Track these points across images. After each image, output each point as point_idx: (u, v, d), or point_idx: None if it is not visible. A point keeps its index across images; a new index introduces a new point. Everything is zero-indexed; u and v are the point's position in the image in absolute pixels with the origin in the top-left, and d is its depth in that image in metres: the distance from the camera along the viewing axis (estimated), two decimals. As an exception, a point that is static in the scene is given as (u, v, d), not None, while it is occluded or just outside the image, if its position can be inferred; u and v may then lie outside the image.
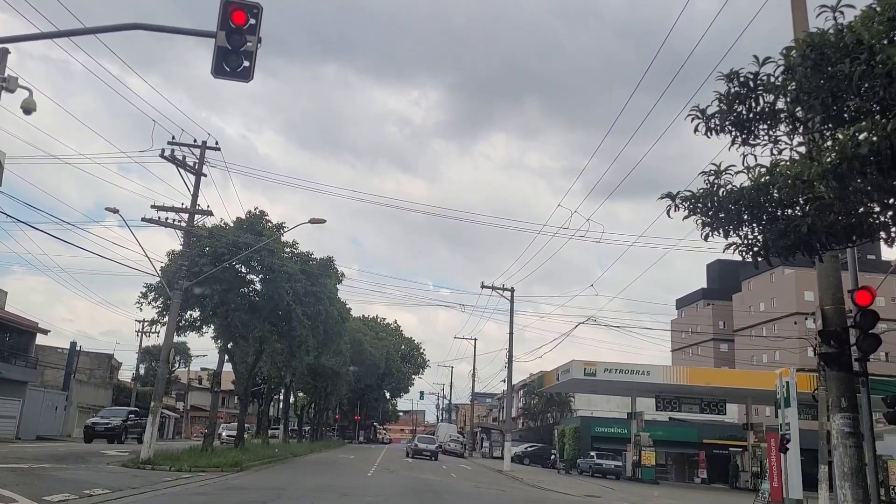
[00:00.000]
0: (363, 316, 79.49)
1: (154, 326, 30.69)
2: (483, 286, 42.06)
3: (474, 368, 61.91)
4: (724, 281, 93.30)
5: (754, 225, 7.61)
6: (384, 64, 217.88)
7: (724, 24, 14.42)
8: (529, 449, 53.06)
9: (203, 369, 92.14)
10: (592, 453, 40.55)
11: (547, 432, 59.90)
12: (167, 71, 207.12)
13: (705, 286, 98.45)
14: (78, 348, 49.66)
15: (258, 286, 28.77)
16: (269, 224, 28.50)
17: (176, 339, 30.09)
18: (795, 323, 73.76)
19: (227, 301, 26.76)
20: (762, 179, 7.03)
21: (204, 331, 30.04)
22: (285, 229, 28.85)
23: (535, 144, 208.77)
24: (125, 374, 70.76)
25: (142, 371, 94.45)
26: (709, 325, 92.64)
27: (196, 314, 28.64)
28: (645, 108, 18.63)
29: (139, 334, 51.62)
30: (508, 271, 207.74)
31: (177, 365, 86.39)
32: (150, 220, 23.36)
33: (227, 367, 34.05)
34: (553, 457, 50.94)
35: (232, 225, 27.96)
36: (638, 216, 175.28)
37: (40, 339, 44.01)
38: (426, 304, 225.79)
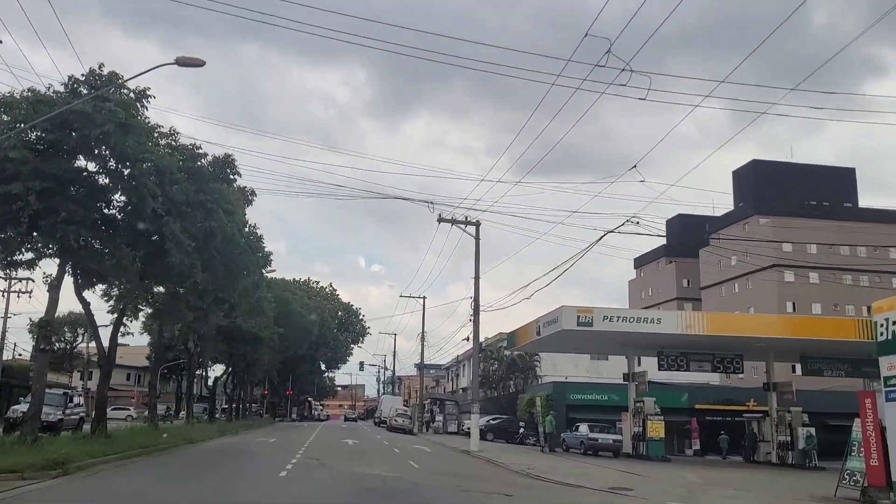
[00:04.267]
0: (294, 280, 69.48)
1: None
2: (441, 220, 33.03)
3: (423, 330, 52.92)
4: (686, 237, 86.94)
5: None
6: (308, 44, 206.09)
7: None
8: (493, 422, 44.59)
9: (121, 345, 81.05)
10: (581, 425, 32.29)
11: (509, 402, 51.60)
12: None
13: (665, 243, 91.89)
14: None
15: (112, 191, 18.74)
16: (127, 93, 18.40)
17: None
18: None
19: (54, 209, 16.80)
20: None
21: (38, 265, 19.78)
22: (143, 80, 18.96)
23: (461, 124, 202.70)
24: None
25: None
26: (671, 284, 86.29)
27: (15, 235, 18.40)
28: (568, 88, 16.78)
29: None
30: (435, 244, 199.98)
31: (80, 339, 74.69)
32: None
33: (143, 339, 23.96)
34: (521, 430, 42.68)
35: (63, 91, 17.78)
36: (561, 193, 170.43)
37: None
38: (358, 280, 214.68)
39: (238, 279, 22.94)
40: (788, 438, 30.89)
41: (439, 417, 51.60)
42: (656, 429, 29.59)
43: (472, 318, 32.50)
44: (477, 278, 32.85)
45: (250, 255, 23.37)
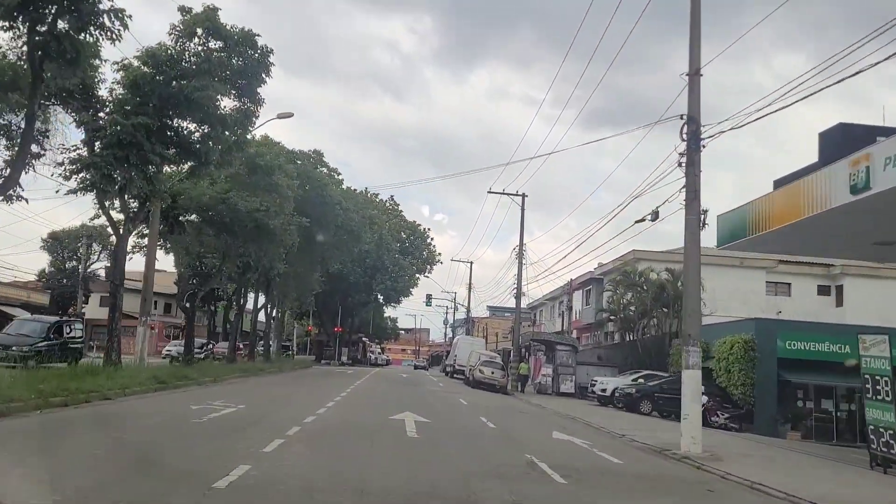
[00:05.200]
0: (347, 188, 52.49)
1: None
2: None
3: (521, 242, 35.22)
4: (848, 149, 66.04)
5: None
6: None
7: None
8: (644, 383, 26.95)
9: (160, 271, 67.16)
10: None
11: (647, 350, 33.85)
12: None
13: (818, 160, 70.88)
14: None
15: None
16: None
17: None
18: None
19: None
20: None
21: None
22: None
23: (527, 73, 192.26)
24: None
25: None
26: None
27: None
28: (637, 37, 11.36)
29: None
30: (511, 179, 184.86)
31: (94, 256, 60.50)
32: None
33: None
34: (705, 401, 24.82)
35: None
36: (621, 146, 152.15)
37: None
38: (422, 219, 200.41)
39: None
40: None
41: (545, 370, 34.41)
42: None
43: (685, 153, 14.53)
44: (694, 62, 14.80)
45: None
